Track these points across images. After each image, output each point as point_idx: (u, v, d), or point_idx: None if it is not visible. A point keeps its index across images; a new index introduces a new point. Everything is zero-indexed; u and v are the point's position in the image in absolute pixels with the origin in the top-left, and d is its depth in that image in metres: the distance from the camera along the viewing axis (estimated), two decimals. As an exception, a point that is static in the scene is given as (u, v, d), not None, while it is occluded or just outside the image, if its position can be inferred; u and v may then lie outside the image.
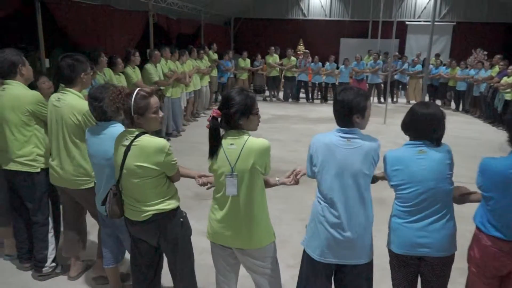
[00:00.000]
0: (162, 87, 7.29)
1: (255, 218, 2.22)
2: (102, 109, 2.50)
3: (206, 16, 13.59)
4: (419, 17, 15.71)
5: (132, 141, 2.22)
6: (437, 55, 12.96)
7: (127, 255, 2.83)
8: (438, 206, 2.23)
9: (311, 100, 12.89)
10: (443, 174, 2.23)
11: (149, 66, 7.30)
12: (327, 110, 11.46)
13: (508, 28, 14.96)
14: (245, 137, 2.17)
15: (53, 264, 3.22)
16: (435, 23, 5.77)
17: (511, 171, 2.03)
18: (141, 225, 2.35)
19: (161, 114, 2.35)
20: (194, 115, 9.83)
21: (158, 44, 9.10)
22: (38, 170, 3.06)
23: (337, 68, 12.77)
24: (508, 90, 8.81)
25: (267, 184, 2.39)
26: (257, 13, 16.64)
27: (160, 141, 2.25)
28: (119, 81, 6.30)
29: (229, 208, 2.21)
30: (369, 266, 2.30)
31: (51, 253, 3.19)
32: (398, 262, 2.36)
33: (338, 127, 2.26)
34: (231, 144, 2.16)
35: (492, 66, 10.68)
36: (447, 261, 2.30)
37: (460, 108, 11.82)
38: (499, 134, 9.00)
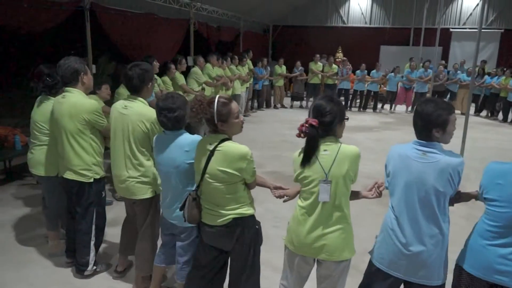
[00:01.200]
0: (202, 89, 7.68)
1: (343, 228, 2.21)
2: (177, 118, 2.53)
3: (245, 23, 13.77)
4: (464, 23, 15.16)
5: (216, 146, 2.27)
6: (484, 62, 12.43)
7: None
8: None
9: (349, 108, 12.70)
10: None
11: (196, 69, 7.78)
12: (365, 118, 11.27)
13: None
14: (339, 143, 2.19)
15: (94, 267, 3.33)
16: (482, 30, 5.54)
17: None
18: (219, 230, 2.38)
19: (241, 117, 2.41)
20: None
21: (199, 51, 9.34)
22: (91, 180, 3.13)
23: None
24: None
25: (351, 197, 2.33)
26: (295, 21, 16.67)
27: (243, 148, 2.27)
28: (169, 84, 6.66)
29: (318, 216, 2.19)
30: None
31: (92, 259, 3.30)
32: (468, 282, 2.18)
33: (416, 139, 2.18)
34: (325, 150, 2.17)
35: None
36: None
37: (509, 119, 11.25)
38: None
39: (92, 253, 3.29)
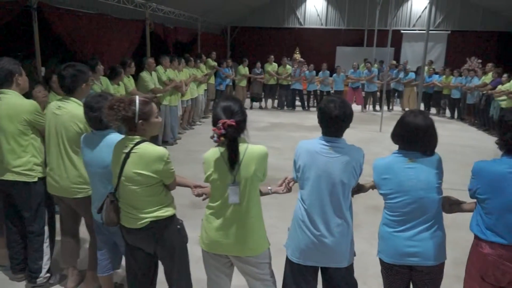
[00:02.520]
0: (158, 95, 7.31)
1: (253, 226, 2.24)
2: (99, 118, 2.50)
3: (202, 24, 13.68)
4: (414, 25, 15.85)
5: (131, 148, 2.23)
6: (430, 62, 13.05)
7: (123, 263, 2.81)
8: (427, 216, 2.23)
9: (307, 108, 12.93)
10: (432, 184, 2.22)
11: (144, 74, 7.31)
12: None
13: (501, 36, 15.14)
14: (245, 144, 2.18)
15: (48, 274, 3.19)
16: (430, 31, 5.82)
17: (509, 170, 2.08)
18: (138, 233, 2.34)
19: (160, 118, 2.39)
20: (190, 124, 9.84)
21: (155, 53, 9.13)
22: (35, 179, 3.05)
23: (331, 76, 12.84)
24: (504, 98, 8.87)
25: (260, 193, 2.39)
26: (253, 22, 16.75)
27: (160, 149, 2.27)
28: (117, 90, 6.30)
29: (228, 216, 2.21)
30: (349, 269, 2.37)
31: (45, 263, 3.16)
32: (388, 271, 2.37)
33: (323, 135, 2.32)
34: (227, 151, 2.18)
35: (484, 73, 10.76)
36: (437, 270, 2.30)
37: (456, 116, 11.88)
38: (493, 142, 9.06)
39: (46, 257, 3.15)
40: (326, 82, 12.64)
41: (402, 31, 15.57)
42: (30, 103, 3.02)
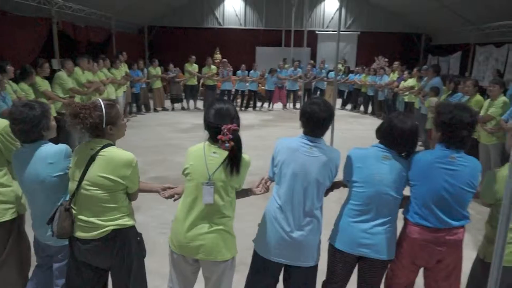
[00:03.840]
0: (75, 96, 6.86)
1: (222, 232, 2.19)
2: (24, 130, 2.27)
3: (117, 24, 13.05)
4: (327, 26, 16.71)
5: (97, 152, 2.11)
6: (344, 61, 13.85)
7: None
8: (385, 212, 2.32)
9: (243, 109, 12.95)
10: (397, 184, 2.32)
11: (61, 73, 6.81)
12: (247, 117, 11.61)
13: (403, 37, 16.59)
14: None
15: None
16: (341, 32, 6.16)
17: (437, 160, 2.26)
18: (95, 244, 2.16)
19: (125, 120, 2.28)
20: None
21: (66, 53, 8.51)
22: None
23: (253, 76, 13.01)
24: (407, 93, 9.69)
25: (241, 195, 2.35)
26: (171, 22, 16.40)
27: (128, 155, 2.17)
28: (28, 92, 5.81)
29: (199, 217, 2.16)
30: (314, 269, 2.39)
31: None
32: (338, 258, 2.42)
33: (303, 134, 2.34)
34: (214, 152, 2.14)
35: (392, 72, 11.70)
36: (384, 264, 2.41)
37: (369, 111, 12.74)
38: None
39: None
40: (258, 81, 12.72)
41: (317, 32, 16.33)
42: None
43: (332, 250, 2.44)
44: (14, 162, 2.39)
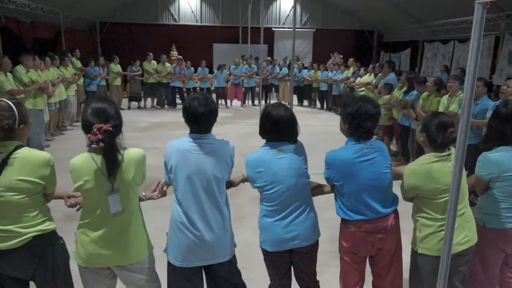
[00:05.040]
0: (17, 97, 6.40)
1: (134, 232, 2.13)
2: None
3: (66, 19, 12.46)
4: (283, 23, 16.85)
5: (9, 155, 1.98)
6: (297, 58, 14.04)
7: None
8: (300, 201, 2.37)
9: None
10: (301, 170, 2.37)
11: None
12: (205, 114, 11.51)
13: (357, 34, 17.08)
14: (121, 149, 2.06)
15: None
16: (297, 29, 6.23)
17: (356, 155, 2.32)
18: (14, 254, 2.01)
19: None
20: (59, 128, 8.92)
21: (10, 51, 8.01)
22: None
23: (211, 73, 12.93)
24: (363, 89, 9.98)
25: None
26: (124, 18, 15.87)
27: (45, 154, 2.10)
28: None
29: (110, 226, 2.06)
30: (233, 260, 2.40)
31: None
32: (272, 258, 2.46)
33: (190, 133, 2.30)
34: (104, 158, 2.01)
35: (347, 68, 12.01)
36: (313, 248, 2.48)
37: (325, 107, 13.01)
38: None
39: None
40: (206, 78, 12.68)
41: (273, 29, 16.42)
42: None
43: (266, 253, 2.47)
44: None
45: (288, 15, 16.75)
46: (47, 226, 2.10)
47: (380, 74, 8.77)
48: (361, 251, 2.42)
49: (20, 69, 6.84)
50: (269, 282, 2.58)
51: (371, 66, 10.31)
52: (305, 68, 13.60)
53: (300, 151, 2.41)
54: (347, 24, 16.74)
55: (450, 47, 11.88)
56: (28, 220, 2.03)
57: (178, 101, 12.75)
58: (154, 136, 8.54)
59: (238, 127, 9.32)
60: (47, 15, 11.13)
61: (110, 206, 2.02)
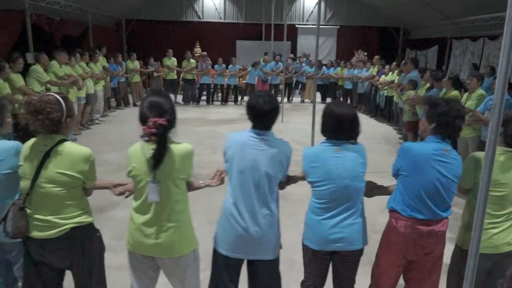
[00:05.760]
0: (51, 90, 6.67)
1: (178, 225, 2.16)
2: None
3: (94, 17, 12.74)
4: (307, 20, 16.72)
5: (52, 148, 2.06)
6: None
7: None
8: (350, 203, 2.32)
9: (211, 102, 12.89)
10: (356, 173, 2.31)
11: (37, 67, 6.68)
12: (227, 111, 11.58)
13: (382, 31, 16.77)
14: (171, 142, 2.12)
15: None
16: (321, 26, 6.17)
17: (434, 152, 2.29)
18: (53, 243, 2.10)
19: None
20: (87, 122, 9.13)
21: (40, 47, 8.25)
22: None
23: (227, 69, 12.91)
24: (386, 87, 9.81)
25: (191, 187, 2.32)
26: (149, 15, 16.09)
27: (86, 149, 2.16)
28: (3, 87, 5.64)
29: (150, 215, 2.12)
30: (275, 262, 2.40)
31: None
32: (312, 257, 2.42)
33: (252, 128, 2.33)
34: (152, 149, 2.07)
35: (372, 65, 11.82)
36: (358, 254, 2.42)
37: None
38: (381, 127, 10.04)
39: None
40: (236, 75, 12.65)
41: (297, 26, 16.32)
42: None
43: (306, 249, 2.45)
44: None
45: (312, 11, 16.60)
46: (85, 218, 2.17)
47: (403, 73, 8.59)
48: (409, 253, 2.37)
49: (55, 64, 7.20)
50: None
51: (394, 63, 10.11)
52: (324, 65, 13.45)
53: (359, 154, 2.35)
54: (372, 21, 16.47)
55: (480, 44, 11.52)
56: (67, 212, 2.11)
57: (203, 97, 12.82)
58: (178, 132, 8.62)
59: (260, 124, 9.32)
60: (75, 12, 11.41)
61: (148, 194, 2.08)
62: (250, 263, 2.40)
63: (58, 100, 2.08)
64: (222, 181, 2.45)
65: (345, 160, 2.30)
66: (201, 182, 2.40)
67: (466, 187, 2.45)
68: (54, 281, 2.24)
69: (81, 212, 2.16)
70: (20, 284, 2.47)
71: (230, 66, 12.70)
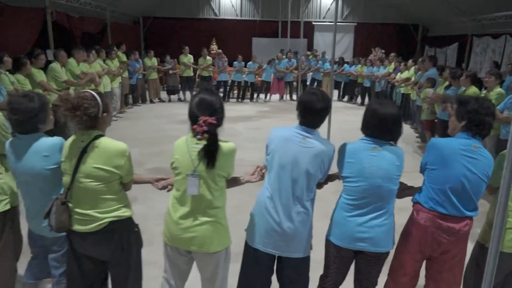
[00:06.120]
0: (71, 88, 6.83)
1: (214, 220, 2.18)
2: (20, 121, 2.27)
3: (112, 14, 12.91)
4: (324, 17, 16.62)
5: (89, 143, 2.11)
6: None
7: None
8: (380, 204, 2.27)
9: (227, 99, 12.93)
10: (390, 174, 2.26)
11: (55, 65, 6.78)
12: (244, 108, 11.60)
13: (400, 28, 16.54)
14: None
15: None
16: (338, 23, 6.13)
17: (462, 148, 2.28)
18: (93, 236, 2.16)
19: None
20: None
21: (60, 44, 8.42)
22: None
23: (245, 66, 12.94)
24: (403, 85, 9.68)
25: (232, 184, 2.33)
26: (166, 12, 16.24)
27: (122, 144, 2.19)
28: (24, 83, 5.77)
29: (189, 209, 2.15)
30: (305, 261, 2.38)
31: None
32: (335, 253, 2.40)
33: (299, 124, 2.33)
34: (197, 143, 2.10)
35: (389, 63, 11.67)
36: (382, 257, 2.39)
37: (366, 103, 12.72)
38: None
39: None
40: (254, 72, 12.63)
41: (313, 23, 16.23)
42: None
43: (329, 245, 2.42)
44: (9, 153, 2.37)
45: (328, 8, 16.49)
46: (123, 212, 2.21)
47: (420, 71, 8.45)
48: (426, 247, 2.34)
49: (72, 61, 7.28)
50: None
51: (410, 60, 9.95)
52: (346, 63, 13.33)
53: (397, 156, 2.29)
54: (390, 17, 16.26)
55: (501, 42, 11.26)
56: (105, 206, 2.16)
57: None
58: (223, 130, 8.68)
59: (276, 121, 9.32)
60: (94, 10, 11.58)
61: (187, 187, 2.11)
62: (280, 259, 2.38)
63: (94, 96, 2.13)
64: (262, 177, 2.44)
65: (380, 160, 2.26)
66: (241, 178, 2.41)
67: (496, 185, 2.40)
68: (96, 272, 2.30)
69: (119, 206, 2.20)
70: (52, 274, 2.55)
71: (249, 63, 12.69)
